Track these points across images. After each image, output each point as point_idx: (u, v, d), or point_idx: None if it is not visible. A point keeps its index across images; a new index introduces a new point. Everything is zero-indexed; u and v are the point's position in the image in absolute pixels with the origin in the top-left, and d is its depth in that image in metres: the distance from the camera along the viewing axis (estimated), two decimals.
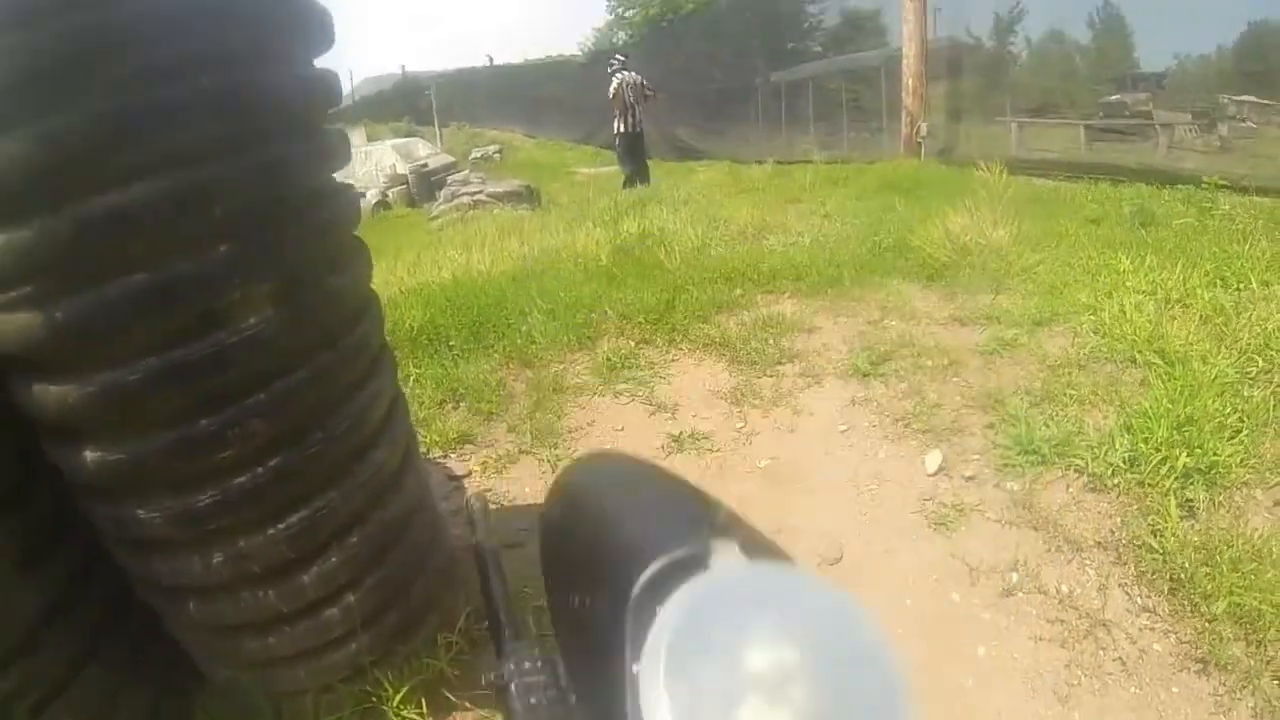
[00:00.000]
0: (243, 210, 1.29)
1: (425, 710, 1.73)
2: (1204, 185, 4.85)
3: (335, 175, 1.62)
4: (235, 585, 1.48)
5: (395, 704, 1.70)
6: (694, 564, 0.31)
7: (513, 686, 0.43)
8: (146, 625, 1.63)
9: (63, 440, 1.33)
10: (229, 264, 1.27)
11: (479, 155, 17.33)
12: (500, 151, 17.89)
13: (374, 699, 1.71)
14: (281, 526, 1.46)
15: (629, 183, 9.57)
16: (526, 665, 0.45)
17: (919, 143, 8.13)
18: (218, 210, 1.25)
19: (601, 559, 0.34)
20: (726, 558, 0.32)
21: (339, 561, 1.57)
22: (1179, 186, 5.12)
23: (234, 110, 1.28)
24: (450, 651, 1.82)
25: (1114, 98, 7.50)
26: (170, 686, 1.72)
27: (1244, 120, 6.43)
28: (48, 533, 1.46)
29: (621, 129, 9.91)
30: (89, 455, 1.30)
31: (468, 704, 1.74)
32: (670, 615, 0.28)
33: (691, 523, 0.34)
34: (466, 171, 14.63)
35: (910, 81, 8.09)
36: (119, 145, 1.16)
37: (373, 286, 1.78)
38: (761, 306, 3.76)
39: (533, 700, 0.42)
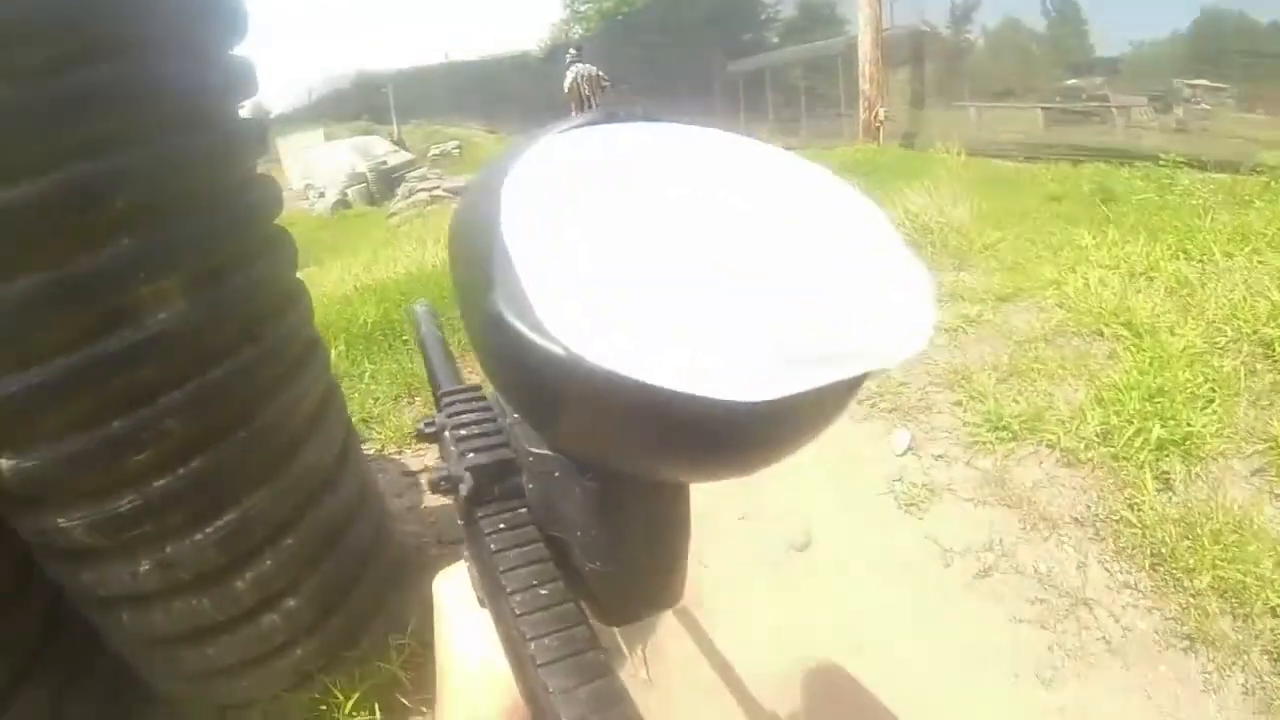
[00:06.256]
0: (146, 203, 1.20)
1: (379, 716, 1.63)
2: (1162, 163, 4.80)
3: (253, 165, 1.56)
4: (166, 594, 1.39)
5: (347, 711, 1.61)
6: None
7: (446, 431, 0.42)
8: (86, 640, 1.53)
9: None
10: (132, 258, 1.18)
11: (438, 152, 16.94)
12: (460, 148, 17.50)
13: (324, 707, 1.61)
14: (209, 530, 1.37)
15: None
16: (459, 407, 0.43)
17: (878, 128, 8.10)
18: (119, 203, 1.16)
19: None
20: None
21: (274, 565, 1.47)
22: (1138, 164, 5.09)
23: (135, 101, 1.18)
24: (402, 655, 1.71)
25: (1070, 82, 7.53)
26: (113, 702, 1.62)
27: (1198, 103, 6.45)
28: None
29: None
30: (2, 462, 1.19)
31: (423, 708, 1.64)
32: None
33: None
34: (424, 169, 14.41)
35: (867, 68, 8.06)
36: (5, 140, 1.05)
37: (303, 277, 1.70)
38: None
39: (463, 432, 0.40)
